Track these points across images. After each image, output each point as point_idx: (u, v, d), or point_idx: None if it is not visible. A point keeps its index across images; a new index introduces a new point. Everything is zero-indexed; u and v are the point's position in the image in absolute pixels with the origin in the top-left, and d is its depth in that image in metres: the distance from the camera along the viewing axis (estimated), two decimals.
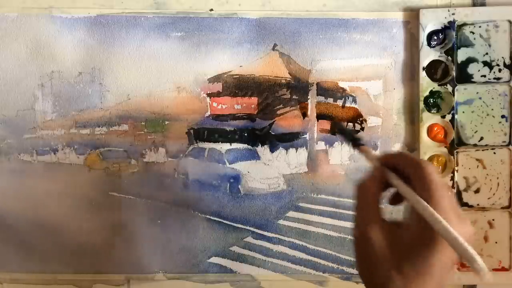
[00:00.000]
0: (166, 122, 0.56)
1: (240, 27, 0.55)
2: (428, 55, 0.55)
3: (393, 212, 0.50)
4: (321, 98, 0.56)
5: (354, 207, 0.35)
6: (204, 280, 0.58)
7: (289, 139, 0.57)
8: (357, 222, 0.35)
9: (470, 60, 0.55)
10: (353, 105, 0.56)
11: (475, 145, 0.56)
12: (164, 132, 0.56)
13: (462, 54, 0.55)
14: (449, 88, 0.55)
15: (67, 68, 0.55)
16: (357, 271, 0.35)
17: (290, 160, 0.57)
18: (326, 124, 0.57)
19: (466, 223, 0.32)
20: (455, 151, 0.55)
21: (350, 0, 0.55)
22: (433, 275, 0.31)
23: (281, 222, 0.57)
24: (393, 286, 0.32)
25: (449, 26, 0.54)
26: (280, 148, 0.57)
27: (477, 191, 0.56)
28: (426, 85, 0.55)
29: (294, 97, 0.56)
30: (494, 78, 0.55)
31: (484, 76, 0.55)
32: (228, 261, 0.57)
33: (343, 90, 0.56)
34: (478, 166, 0.56)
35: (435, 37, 0.55)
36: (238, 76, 0.56)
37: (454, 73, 0.55)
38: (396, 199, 0.36)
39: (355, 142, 0.42)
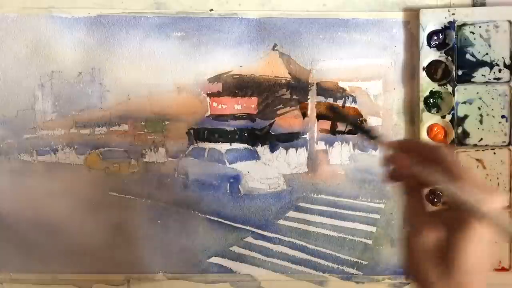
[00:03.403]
0: (166, 122, 0.56)
1: (240, 27, 0.55)
2: (428, 55, 0.55)
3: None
4: (321, 98, 0.56)
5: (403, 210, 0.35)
6: (204, 280, 0.58)
7: (289, 139, 0.57)
8: (408, 222, 0.34)
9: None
10: (353, 105, 0.56)
11: (475, 145, 0.56)
12: (164, 132, 0.56)
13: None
14: (449, 88, 0.55)
15: (67, 68, 0.55)
16: (412, 274, 0.34)
17: (290, 160, 0.57)
18: (326, 124, 0.57)
19: (497, 194, 0.31)
20: (455, 151, 0.55)
21: (350, 0, 0.55)
22: (478, 255, 0.31)
23: (281, 222, 0.57)
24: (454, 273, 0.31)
25: (449, 26, 0.54)
26: (280, 148, 0.57)
27: None
28: (426, 85, 0.55)
29: (294, 97, 0.56)
30: (494, 78, 0.55)
31: (484, 76, 0.55)
32: (228, 261, 0.57)
33: (343, 90, 0.56)
34: (478, 166, 0.56)
35: (435, 37, 0.55)
36: (238, 76, 0.56)
37: (454, 73, 0.55)
38: (393, 176, 0.36)
39: (371, 135, 0.40)
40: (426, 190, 0.36)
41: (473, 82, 0.55)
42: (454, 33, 0.54)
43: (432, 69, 0.55)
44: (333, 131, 0.57)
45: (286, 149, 0.57)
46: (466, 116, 0.55)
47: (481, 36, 0.55)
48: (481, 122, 0.55)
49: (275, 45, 0.55)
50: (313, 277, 0.58)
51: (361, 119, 0.56)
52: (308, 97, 0.56)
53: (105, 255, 0.57)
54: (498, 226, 0.29)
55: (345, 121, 0.50)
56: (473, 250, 0.31)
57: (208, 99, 0.56)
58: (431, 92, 0.55)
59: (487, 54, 0.55)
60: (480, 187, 0.31)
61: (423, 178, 0.34)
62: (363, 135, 0.41)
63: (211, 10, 0.55)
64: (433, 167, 0.33)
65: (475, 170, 0.55)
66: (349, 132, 0.57)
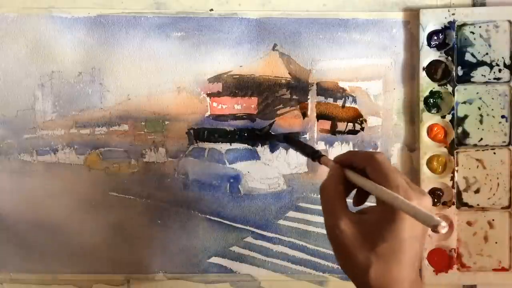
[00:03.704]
0: (166, 122, 0.56)
1: (240, 27, 0.55)
2: (428, 55, 0.55)
3: None
4: (321, 98, 0.56)
5: (322, 208, 0.38)
6: (204, 280, 0.58)
7: None
8: (327, 220, 0.37)
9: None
10: (353, 105, 0.56)
11: (475, 145, 0.56)
12: (164, 132, 0.56)
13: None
14: (449, 88, 0.55)
15: (67, 68, 0.55)
16: (341, 267, 0.37)
17: (290, 160, 0.57)
18: (326, 124, 0.57)
19: (424, 195, 0.34)
20: (455, 151, 0.55)
21: (350, 0, 0.55)
22: (406, 249, 0.33)
23: (281, 222, 0.57)
24: (374, 268, 0.34)
25: (449, 26, 0.54)
26: (280, 148, 0.57)
27: (477, 191, 0.56)
28: (426, 85, 0.55)
29: (294, 97, 0.56)
30: (494, 78, 0.55)
31: (484, 76, 0.55)
32: (228, 261, 0.57)
33: (343, 90, 0.56)
34: (478, 166, 0.56)
35: (435, 37, 0.55)
36: (238, 76, 0.56)
37: (454, 73, 0.55)
38: (359, 199, 0.39)
39: (315, 155, 0.45)
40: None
41: (473, 82, 0.55)
42: (454, 33, 0.54)
43: (432, 69, 0.55)
44: (333, 131, 0.57)
45: (286, 149, 0.57)
46: (466, 116, 0.55)
47: (481, 36, 0.55)
48: (481, 122, 0.55)
49: (275, 45, 0.55)
50: (313, 277, 0.58)
51: (361, 119, 0.56)
52: (308, 97, 0.56)
53: (105, 255, 0.57)
54: (417, 217, 0.31)
55: (302, 150, 0.52)
56: (404, 237, 0.33)
57: (208, 99, 0.56)
58: (431, 92, 0.55)
59: (487, 54, 0.55)
60: (407, 187, 0.34)
61: (356, 183, 0.37)
62: (305, 154, 0.45)
63: (211, 10, 0.55)
64: (366, 175, 0.36)
65: (475, 170, 0.56)
66: (349, 132, 0.57)
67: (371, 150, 0.57)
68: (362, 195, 0.39)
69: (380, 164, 0.35)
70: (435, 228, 0.29)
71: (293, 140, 0.55)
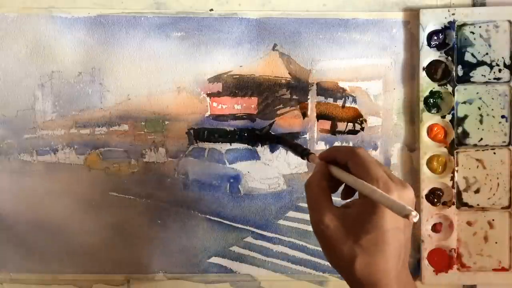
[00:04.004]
0: (166, 122, 0.56)
1: (240, 27, 0.55)
2: (428, 55, 0.55)
3: None
4: (321, 98, 0.56)
5: (307, 204, 0.38)
6: (204, 280, 0.58)
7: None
8: (312, 216, 0.38)
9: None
10: (353, 105, 0.56)
11: (475, 145, 0.56)
12: (164, 132, 0.56)
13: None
14: (449, 88, 0.55)
15: (67, 68, 0.55)
16: (327, 261, 0.38)
17: (290, 160, 0.57)
18: (326, 124, 0.57)
19: (405, 187, 0.35)
20: (455, 151, 0.55)
21: (350, 0, 0.55)
22: (389, 240, 0.34)
23: (281, 222, 0.57)
24: (359, 260, 0.34)
25: (449, 26, 0.54)
26: (280, 148, 0.57)
27: (477, 191, 0.56)
28: (426, 85, 0.55)
29: (294, 97, 0.56)
30: (494, 78, 0.55)
31: (484, 76, 0.55)
32: (228, 261, 0.57)
33: (343, 90, 0.56)
34: (478, 166, 0.56)
35: (435, 37, 0.55)
36: (238, 76, 0.56)
37: (454, 73, 0.55)
38: (347, 193, 0.40)
39: (304, 152, 0.47)
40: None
41: (473, 82, 0.55)
42: (454, 33, 0.54)
43: (432, 69, 0.55)
44: (333, 131, 0.57)
45: (286, 149, 0.57)
46: (466, 116, 0.55)
47: (481, 36, 0.55)
48: (481, 122, 0.55)
49: (275, 45, 0.55)
50: (313, 277, 0.58)
51: (361, 119, 0.56)
52: (308, 97, 0.56)
53: (105, 255, 0.57)
54: (387, 207, 0.32)
55: (293, 149, 0.53)
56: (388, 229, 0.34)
57: (208, 99, 0.56)
58: (431, 92, 0.55)
59: (487, 54, 0.55)
60: (388, 180, 0.35)
61: (338, 177, 0.38)
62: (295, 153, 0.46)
63: (211, 10, 0.55)
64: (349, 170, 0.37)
65: (475, 170, 0.56)
66: (349, 132, 0.57)
67: (367, 149, 0.57)
68: (350, 189, 0.40)
69: (360, 158, 0.36)
70: (406, 217, 0.30)
71: (284, 140, 0.56)
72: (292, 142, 0.54)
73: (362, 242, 0.34)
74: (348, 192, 0.40)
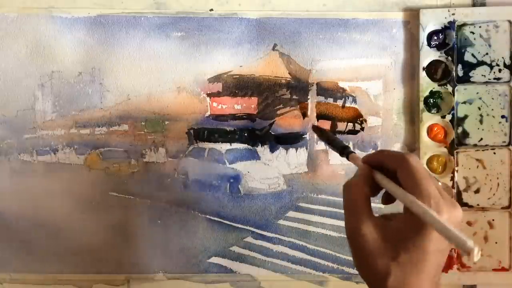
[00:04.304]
0: (166, 122, 0.56)
1: (240, 27, 0.55)
2: (428, 55, 0.55)
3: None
4: (321, 98, 0.56)
5: (344, 207, 0.36)
6: (204, 280, 0.58)
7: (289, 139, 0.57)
8: (348, 221, 0.35)
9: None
10: (353, 105, 0.56)
11: (475, 145, 0.56)
12: (164, 132, 0.56)
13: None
14: (449, 88, 0.55)
15: (67, 68, 0.55)
16: (357, 270, 0.35)
17: (290, 160, 0.57)
18: (326, 124, 0.57)
19: (455, 207, 0.32)
20: (455, 151, 0.55)
21: (350, 0, 0.55)
22: (428, 262, 0.32)
23: (281, 222, 0.57)
24: (393, 277, 0.32)
25: (449, 26, 0.54)
26: (280, 148, 0.57)
27: (477, 191, 0.56)
28: (426, 85, 0.55)
29: (294, 97, 0.56)
30: (494, 78, 0.55)
31: (484, 76, 0.55)
32: (228, 261, 0.57)
33: (343, 90, 0.56)
34: (478, 166, 0.56)
35: (435, 37, 0.55)
36: (238, 76, 0.56)
37: (454, 73, 0.55)
38: (388, 198, 0.37)
39: (344, 151, 0.42)
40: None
41: (473, 82, 0.55)
42: (454, 33, 0.54)
43: (432, 69, 0.55)
44: (333, 131, 0.57)
45: (286, 149, 0.57)
46: (466, 116, 0.55)
47: (481, 36, 0.55)
48: (481, 122, 0.55)
49: (275, 45, 0.55)
50: (313, 277, 0.58)
51: (361, 119, 0.56)
52: (308, 97, 0.56)
53: (105, 255, 0.57)
54: (449, 239, 0.29)
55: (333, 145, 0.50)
56: (429, 252, 0.32)
57: (208, 99, 0.56)
58: (431, 92, 0.55)
59: (487, 54, 0.55)
60: (439, 198, 0.32)
61: (384, 187, 0.35)
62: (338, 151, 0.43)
63: (211, 10, 0.55)
64: (396, 178, 0.34)
65: (475, 170, 0.56)
66: (349, 132, 0.57)
67: (367, 149, 0.56)
68: (392, 196, 0.36)
69: (412, 168, 0.33)
70: (468, 254, 0.27)
71: (325, 134, 0.52)
72: (332, 137, 0.50)
73: (400, 259, 0.32)
74: (390, 198, 0.37)
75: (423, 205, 0.31)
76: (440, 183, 0.36)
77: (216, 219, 0.57)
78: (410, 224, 0.32)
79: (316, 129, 0.54)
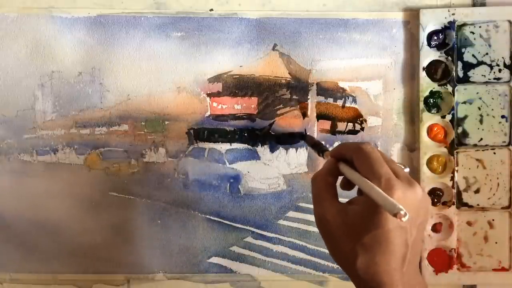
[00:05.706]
0: (166, 122, 0.56)
1: (240, 27, 0.55)
2: (428, 55, 0.55)
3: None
4: (321, 98, 0.56)
5: (312, 198, 0.38)
6: (204, 280, 0.58)
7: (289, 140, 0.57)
8: (315, 210, 0.37)
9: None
10: (353, 105, 0.56)
11: (475, 145, 0.56)
12: (164, 132, 0.56)
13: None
14: (449, 88, 0.55)
15: (67, 68, 0.55)
16: (331, 256, 0.37)
17: (290, 160, 0.57)
18: (326, 124, 0.57)
19: (412, 186, 0.34)
20: (455, 151, 0.55)
21: (350, 0, 0.55)
22: (392, 240, 0.33)
23: (281, 222, 0.57)
24: (360, 258, 0.34)
25: (449, 26, 0.54)
26: (280, 148, 0.57)
27: (477, 191, 0.56)
28: (426, 85, 0.55)
29: (294, 97, 0.56)
30: (494, 78, 0.55)
31: (484, 76, 0.55)
32: (228, 261, 0.57)
33: (343, 90, 0.56)
34: (478, 166, 0.56)
35: (435, 37, 0.55)
36: (238, 76, 0.56)
37: (454, 73, 0.55)
38: (345, 184, 0.40)
39: (320, 150, 0.47)
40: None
41: (473, 82, 0.55)
42: (454, 33, 0.54)
43: (432, 69, 0.55)
44: (333, 131, 0.57)
45: (286, 149, 0.57)
46: (466, 116, 0.55)
47: (481, 36, 0.55)
48: (481, 122, 0.55)
49: (275, 45, 0.55)
50: (313, 277, 0.58)
51: (361, 119, 0.56)
52: (308, 97, 0.56)
53: (105, 255, 0.57)
54: (378, 202, 0.31)
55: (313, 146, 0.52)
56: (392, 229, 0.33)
57: (208, 99, 0.56)
58: (431, 92, 0.55)
59: (487, 54, 0.55)
60: (394, 177, 0.34)
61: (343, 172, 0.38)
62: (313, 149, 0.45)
63: (211, 10, 0.55)
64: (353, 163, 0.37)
65: (475, 170, 0.56)
66: (349, 132, 0.57)
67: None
68: (350, 181, 0.39)
69: (364, 154, 0.36)
70: (395, 216, 0.29)
71: (308, 138, 0.55)
72: (314, 141, 0.53)
73: (364, 240, 0.33)
74: (348, 183, 0.39)
75: (369, 182, 0.33)
76: (401, 166, 0.38)
77: (216, 219, 0.57)
78: (368, 205, 0.33)
79: (298, 134, 0.56)
